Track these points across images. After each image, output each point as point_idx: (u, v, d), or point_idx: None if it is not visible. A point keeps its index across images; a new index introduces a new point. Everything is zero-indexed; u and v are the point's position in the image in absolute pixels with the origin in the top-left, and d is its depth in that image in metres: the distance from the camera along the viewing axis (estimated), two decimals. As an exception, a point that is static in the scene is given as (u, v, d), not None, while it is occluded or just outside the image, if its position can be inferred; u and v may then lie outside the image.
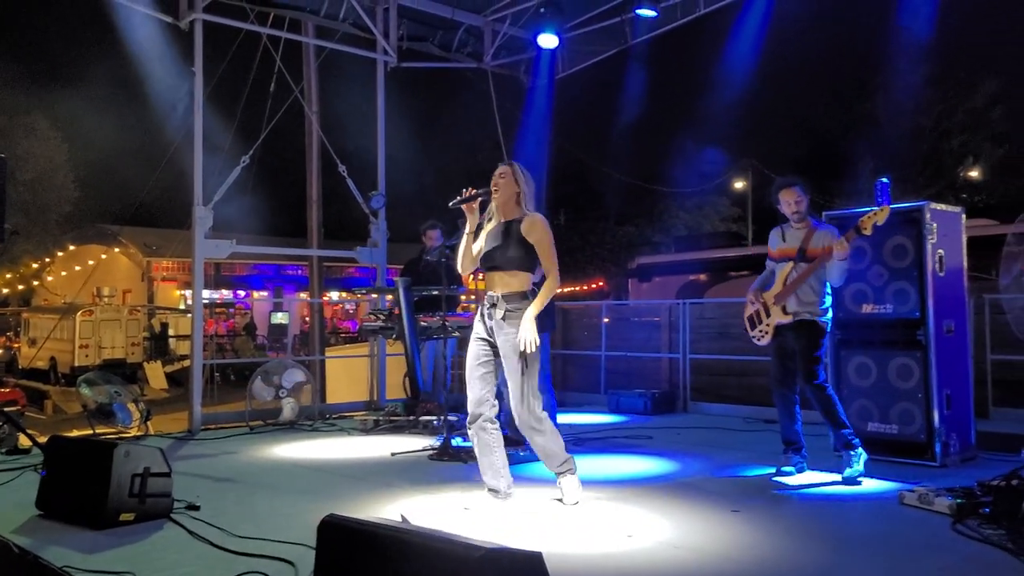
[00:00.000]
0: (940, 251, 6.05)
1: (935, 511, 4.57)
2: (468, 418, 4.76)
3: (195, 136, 8.20)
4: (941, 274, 6.05)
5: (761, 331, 5.77)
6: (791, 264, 5.61)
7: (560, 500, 4.82)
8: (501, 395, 4.99)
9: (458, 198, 4.81)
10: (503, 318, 4.65)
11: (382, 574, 2.55)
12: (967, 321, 6.40)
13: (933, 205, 6.11)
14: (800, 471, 5.60)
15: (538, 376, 6.37)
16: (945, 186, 32.02)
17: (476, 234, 4.86)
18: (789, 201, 5.65)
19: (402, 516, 2.96)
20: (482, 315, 4.80)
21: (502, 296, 4.69)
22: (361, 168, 9.91)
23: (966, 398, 6.25)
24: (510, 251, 4.68)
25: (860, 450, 5.45)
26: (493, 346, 4.76)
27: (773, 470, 5.71)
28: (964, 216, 6.45)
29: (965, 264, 6.35)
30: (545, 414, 4.76)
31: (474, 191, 4.81)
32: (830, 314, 5.67)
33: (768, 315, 5.71)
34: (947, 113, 33.38)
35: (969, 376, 6.37)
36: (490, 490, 4.73)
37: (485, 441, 4.72)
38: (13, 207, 29.79)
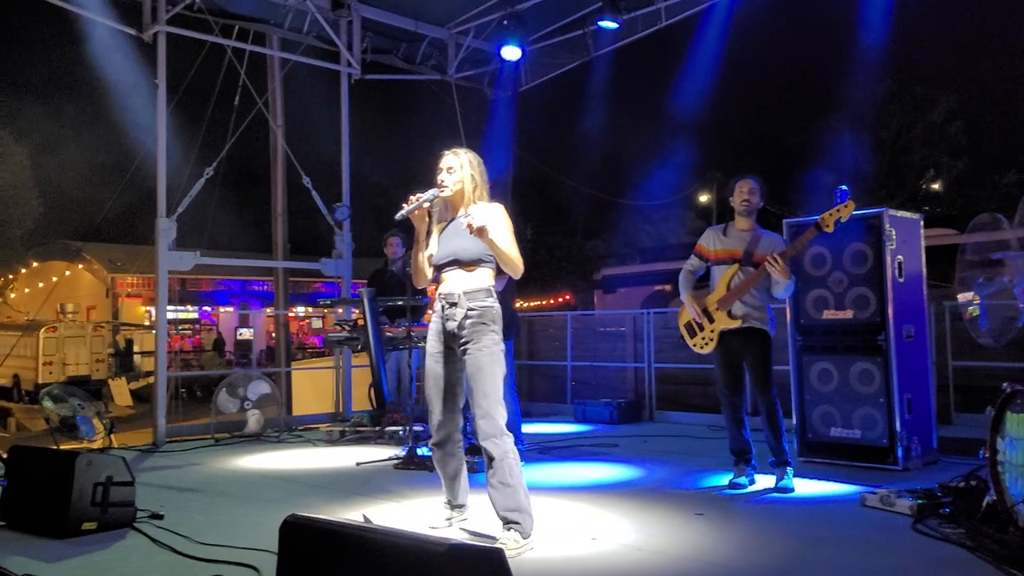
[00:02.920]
0: (899, 257, 6.15)
1: (896, 512, 4.64)
2: (434, 439, 4.30)
3: (158, 148, 8.16)
4: (901, 280, 6.15)
5: (704, 339, 5.57)
6: (735, 267, 5.47)
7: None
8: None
9: (404, 208, 4.27)
10: (466, 318, 4.12)
11: (345, 572, 2.54)
12: (927, 326, 6.50)
13: (892, 211, 6.21)
14: (752, 483, 5.52)
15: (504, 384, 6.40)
16: (906, 198, 32.51)
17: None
18: (742, 191, 5.54)
19: (364, 516, 2.95)
20: (440, 320, 4.25)
21: (463, 293, 4.15)
22: (326, 181, 9.90)
23: (927, 402, 6.34)
24: (467, 243, 4.13)
25: (791, 468, 5.45)
26: (453, 358, 4.24)
27: (731, 475, 5.59)
28: (923, 223, 6.57)
29: (924, 270, 6.45)
30: (509, 436, 4.16)
31: (420, 196, 4.27)
32: (774, 322, 5.57)
33: (711, 321, 5.52)
34: (907, 128, 33.93)
35: (930, 380, 6.47)
36: (455, 506, 4.43)
37: (456, 467, 4.36)
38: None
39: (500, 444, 4.06)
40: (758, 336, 5.47)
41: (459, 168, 4.28)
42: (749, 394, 5.67)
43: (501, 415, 4.09)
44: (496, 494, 4.06)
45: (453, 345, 4.22)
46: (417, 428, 6.87)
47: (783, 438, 5.44)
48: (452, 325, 4.18)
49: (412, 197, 4.28)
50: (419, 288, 4.54)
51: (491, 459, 4.06)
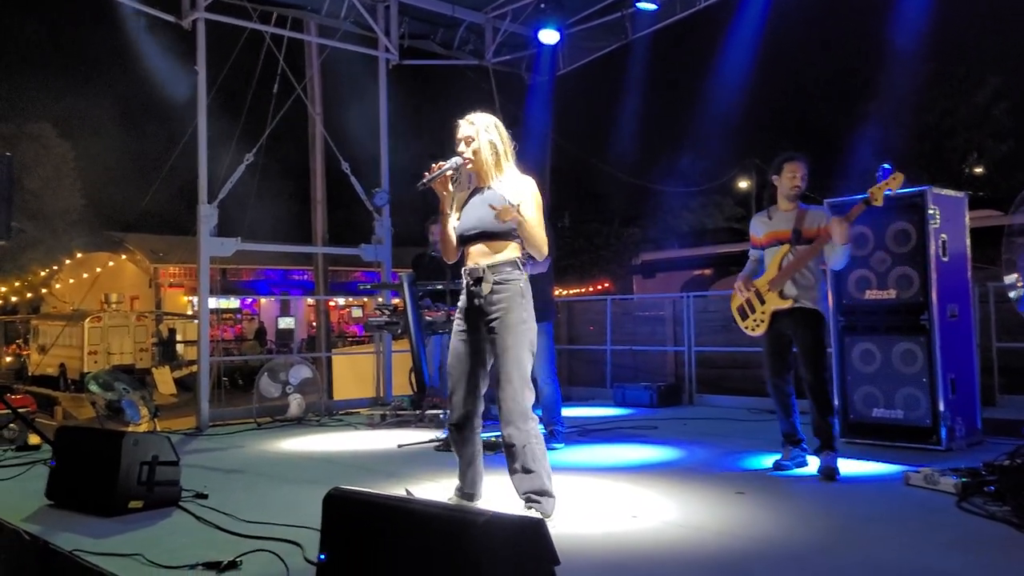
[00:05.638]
0: (943, 236, 6.05)
1: (940, 491, 4.57)
2: (452, 420, 4.16)
3: (198, 134, 8.25)
4: (944, 259, 6.04)
5: (756, 320, 5.48)
6: (786, 247, 5.34)
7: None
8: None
9: (426, 176, 4.07)
10: (493, 292, 3.96)
11: (387, 542, 2.57)
12: (971, 306, 6.39)
13: (935, 190, 6.10)
14: (801, 465, 5.41)
15: (545, 367, 6.41)
16: (948, 182, 31.98)
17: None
18: (794, 175, 5.35)
19: (407, 490, 2.97)
20: (467, 298, 4.10)
21: (488, 267, 3.99)
22: (365, 169, 9.95)
23: (971, 383, 6.24)
24: (493, 214, 3.93)
25: (837, 452, 5.24)
26: (479, 336, 4.08)
27: (777, 456, 5.49)
28: (967, 201, 6.46)
29: (968, 249, 6.34)
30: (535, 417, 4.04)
31: (443, 165, 4.07)
32: (828, 301, 5.42)
33: (762, 302, 5.43)
34: (950, 111, 33.31)
35: (974, 361, 6.36)
36: (466, 494, 4.21)
37: (472, 453, 4.17)
38: (21, 215, 29.96)
39: (523, 429, 3.92)
40: (809, 317, 5.30)
41: (476, 136, 4.07)
42: (794, 376, 5.54)
43: (527, 398, 3.95)
44: (518, 480, 3.97)
45: (480, 322, 4.05)
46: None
47: (831, 423, 5.25)
48: (479, 302, 4.02)
49: (434, 165, 4.08)
50: (452, 264, 4.37)
51: (512, 446, 3.93)
